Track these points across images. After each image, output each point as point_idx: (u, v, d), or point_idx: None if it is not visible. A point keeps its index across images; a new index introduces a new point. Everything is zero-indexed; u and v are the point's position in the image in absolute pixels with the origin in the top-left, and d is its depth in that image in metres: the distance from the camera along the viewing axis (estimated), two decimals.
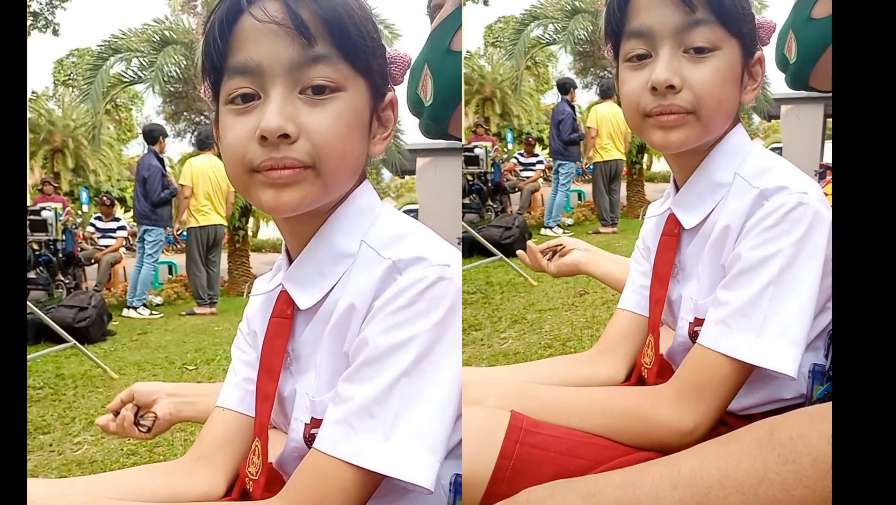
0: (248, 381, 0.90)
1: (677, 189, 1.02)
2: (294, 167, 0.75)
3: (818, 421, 0.74)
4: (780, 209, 0.88)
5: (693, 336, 0.97)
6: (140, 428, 1.12)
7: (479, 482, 0.83)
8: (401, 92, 0.89)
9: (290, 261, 0.85)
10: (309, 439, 0.81)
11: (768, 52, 1.01)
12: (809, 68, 1.13)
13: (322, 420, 0.78)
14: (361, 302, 0.77)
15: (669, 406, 0.89)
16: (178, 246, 7.66)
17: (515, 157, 7.86)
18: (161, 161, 5.67)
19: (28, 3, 7.74)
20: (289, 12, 0.73)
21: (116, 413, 1.12)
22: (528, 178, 7.53)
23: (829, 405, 0.77)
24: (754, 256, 0.88)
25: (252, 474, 0.85)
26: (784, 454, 0.74)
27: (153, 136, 5.67)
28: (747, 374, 0.89)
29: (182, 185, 5.58)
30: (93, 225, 6.89)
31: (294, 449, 0.85)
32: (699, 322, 0.96)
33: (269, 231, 8.96)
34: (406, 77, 0.83)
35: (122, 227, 7.05)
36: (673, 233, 1.01)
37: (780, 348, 0.86)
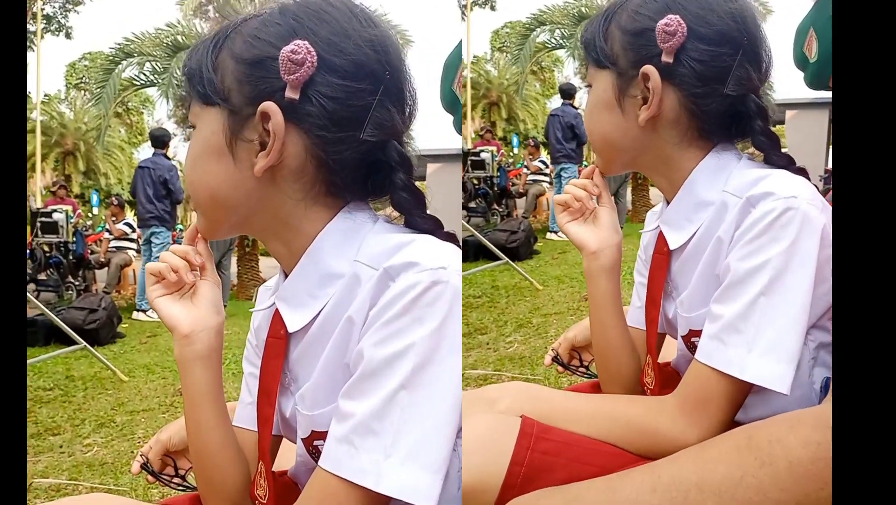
0: None
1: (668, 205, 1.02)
2: None
3: (797, 426, 0.75)
4: (766, 216, 0.87)
5: (691, 347, 0.97)
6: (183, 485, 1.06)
7: (491, 489, 0.84)
8: (434, 90, 0.88)
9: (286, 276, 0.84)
10: (313, 452, 0.82)
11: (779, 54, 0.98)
12: (831, 70, 1.12)
13: (322, 431, 0.78)
14: (358, 313, 0.75)
15: (672, 419, 0.89)
16: None
17: (523, 163, 7.88)
18: None
19: (42, 7, 7.79)
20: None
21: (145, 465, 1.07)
22: (534, 181, 7.55)
23: (808, 410, 0.78)
24: (743, 267, 0.87)
25: (261, 497, 0.85)
26: (761, 458, 0.75)
27: (163, 140, 5.70)
28: (748, 387, 0.88)
29: None
30: (108, 231, 6.97)
31: (302, 463, 0.87)
32: (694, 333, 0.96)
33: None
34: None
35: (128, 224, 7.13)
36: (663, 252, 1.00)
37: (770, 364, 0.85)
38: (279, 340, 0.83)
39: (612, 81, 0.96)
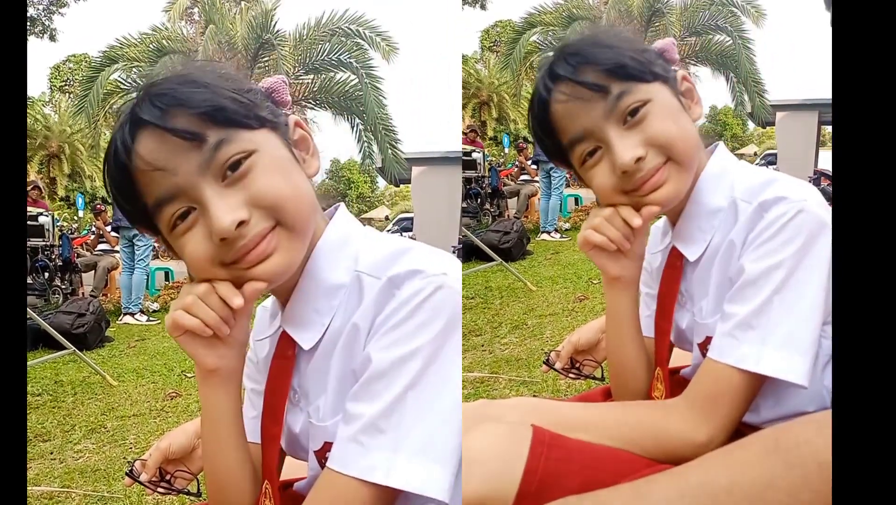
0: None
1: (672, 223, 1.03)
2: (265, 235, 0.77)
3: (824, 427, 0.75)
4: (779, 219, 0.89)
5: (706, 354, 0.97)
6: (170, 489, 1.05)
7: (506, 497, 0.83)
8: None
9: (284, 302, 0.85)
10: (324, 463, 0.81)
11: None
12: None
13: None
14: (364, 321, 0.78)
15: (682, 418, 0.90)
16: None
17: (514, 163, 7.87)
18: None
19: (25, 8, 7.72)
20: (168, 131, 0.75)
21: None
22: (526, 181, 7.56)
23: None
24: (757, 267, 0.90)
25: None
26: (790, 460, 0.75)
27: None
28: (759, 384, 0.90)
29: None
30: (99, 235, 6.92)
31: (313, 478, 0.86)
32: (710, 340, 0.96)
33: None
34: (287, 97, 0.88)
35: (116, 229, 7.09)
36: (675, 265, 1.02)
37: (786, 357, 0.87)
38: (287, 360, 0.84)
39: (668, 90, 0.97)
